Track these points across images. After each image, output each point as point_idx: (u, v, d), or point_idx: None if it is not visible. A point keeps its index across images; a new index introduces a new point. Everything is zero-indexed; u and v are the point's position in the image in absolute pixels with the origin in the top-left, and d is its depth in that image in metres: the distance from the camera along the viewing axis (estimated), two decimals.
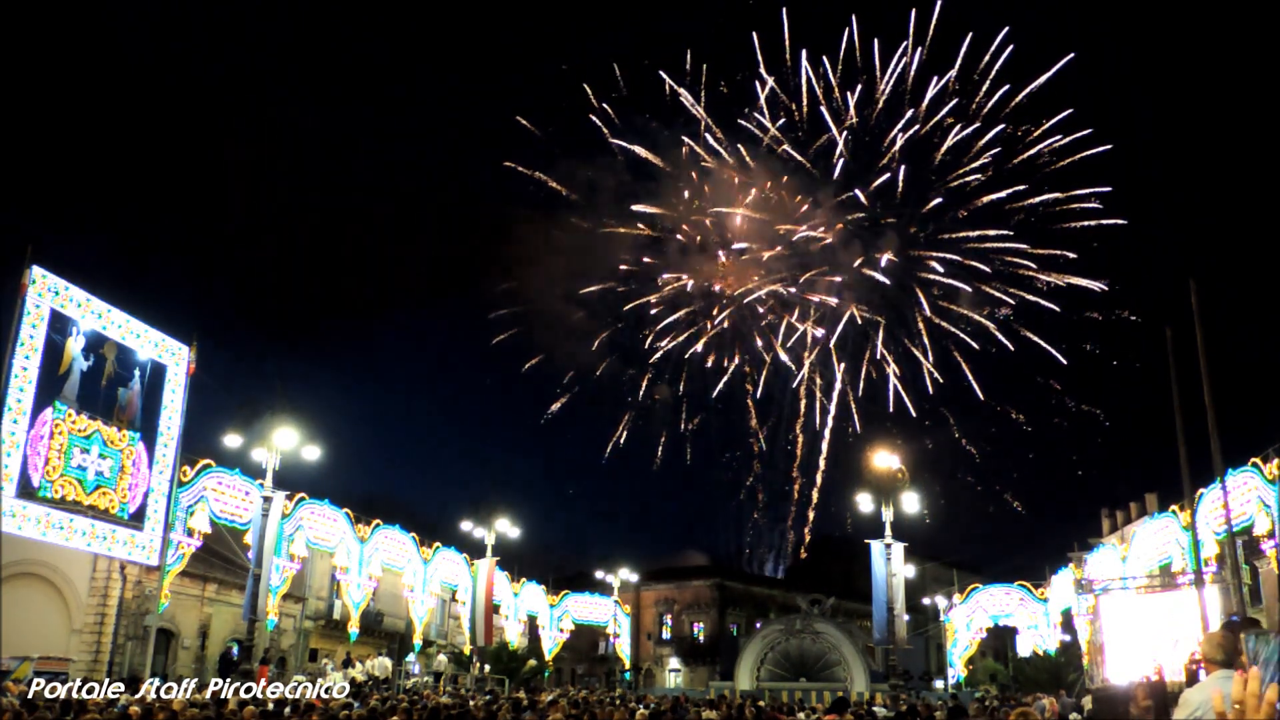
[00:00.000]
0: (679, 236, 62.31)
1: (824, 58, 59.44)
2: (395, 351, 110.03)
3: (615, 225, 62.08)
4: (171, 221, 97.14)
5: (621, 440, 65.25)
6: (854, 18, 58.78)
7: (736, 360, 62.39)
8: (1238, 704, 2.04)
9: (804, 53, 59.62)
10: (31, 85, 75.75)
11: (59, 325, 19.97)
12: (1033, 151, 58.49)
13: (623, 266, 62.67)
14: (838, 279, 60.35)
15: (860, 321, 60.72)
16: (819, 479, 62.04)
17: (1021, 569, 48.07)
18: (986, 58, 57.85)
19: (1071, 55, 57.90)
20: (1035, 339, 58.83)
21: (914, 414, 59.91)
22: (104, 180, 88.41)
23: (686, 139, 60.61)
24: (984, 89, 58.16)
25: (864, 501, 30.28)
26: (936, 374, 59.39)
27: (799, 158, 60.46)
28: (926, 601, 49.94)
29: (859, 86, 59.30)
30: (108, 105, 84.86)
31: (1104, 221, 57.50)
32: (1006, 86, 58.27)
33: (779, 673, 37.17)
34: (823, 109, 59.88)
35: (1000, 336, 59.00)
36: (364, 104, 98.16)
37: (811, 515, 62.67)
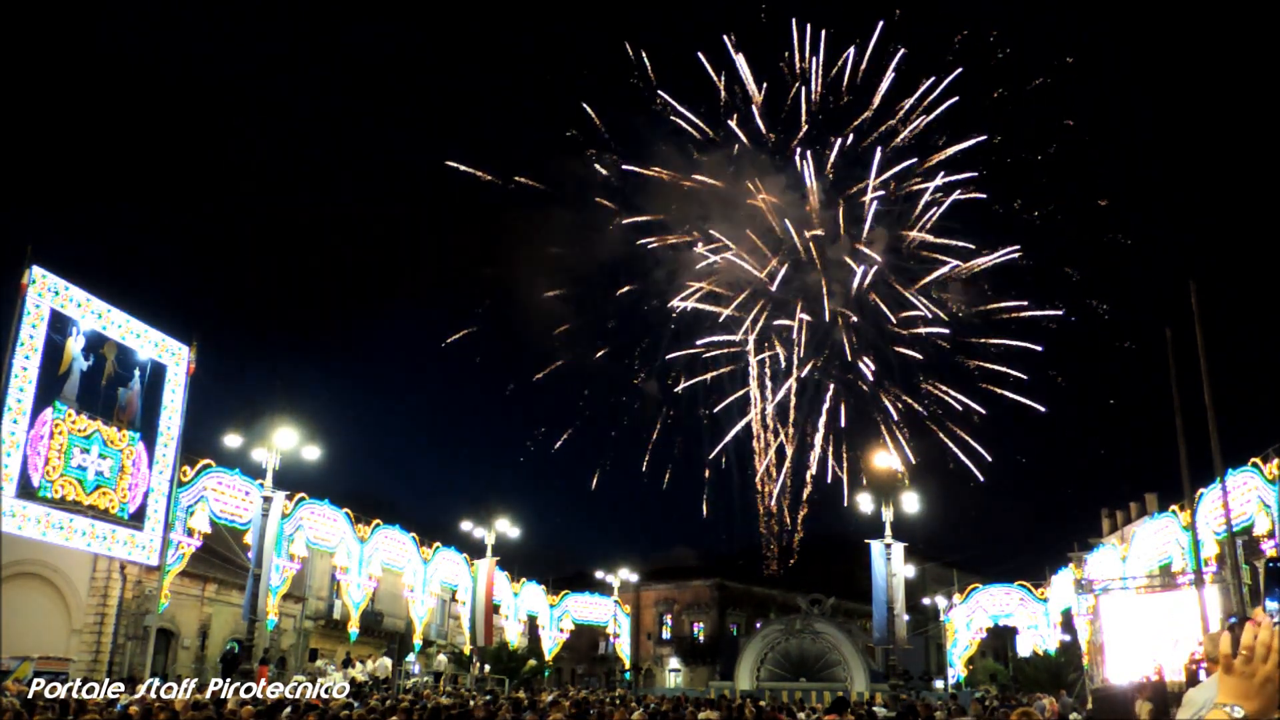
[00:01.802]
0: (669, 239, 62.21)
1: (810, 57, 59.30)
2: (395, 351, 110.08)
3: (606, 228, 62.05)
4: (171, 221, 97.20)
5: (610, 459, 65.10)
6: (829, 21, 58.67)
7: (729, 366, 62.20)
8: (1245, 650, 2.07)
9: (785, 55, 59.53)
10: (30, 85, 75.78)
11: (59, 325, 19.97)
12: (1031, 154, 58.39)
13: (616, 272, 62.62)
14: (826, 287, 60.25)
15: (855, 340, 60.49)
16: (809, 480, 61.85)
17: (1021, 569, 48.05)
18: (978, 59, 57.75)
19: (1069, 59, 57.84)
20: (1034, 358, 58.57)
21: (906, 432, 59.70)
22: (104, 180, 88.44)
23: (665, 146, 60.55)
24: (977, 92, 58.05)
25: (864, 501, 30.33)
26: (937, 388, 59.15)
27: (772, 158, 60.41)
28: (926, 601, 49.94)
29: (841, 89, 59.20)
30: (107, 105, 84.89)
31: (1106, 236, 57.42)
32: (1001, 91, 58.19)
33: (779, 673, 37.18)
34: (803, 113, 59.78)
35: (998, 359, 58.78)
36: (363, 104, 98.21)
37: (803, 516, 62.52)
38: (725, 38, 59.21)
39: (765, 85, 60.01)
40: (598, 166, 61.24)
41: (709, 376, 62.15)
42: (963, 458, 58.15)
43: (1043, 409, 57.54)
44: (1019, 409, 58.29)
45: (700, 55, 59.83)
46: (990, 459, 58.08)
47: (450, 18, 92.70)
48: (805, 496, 61.36)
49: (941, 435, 58.51)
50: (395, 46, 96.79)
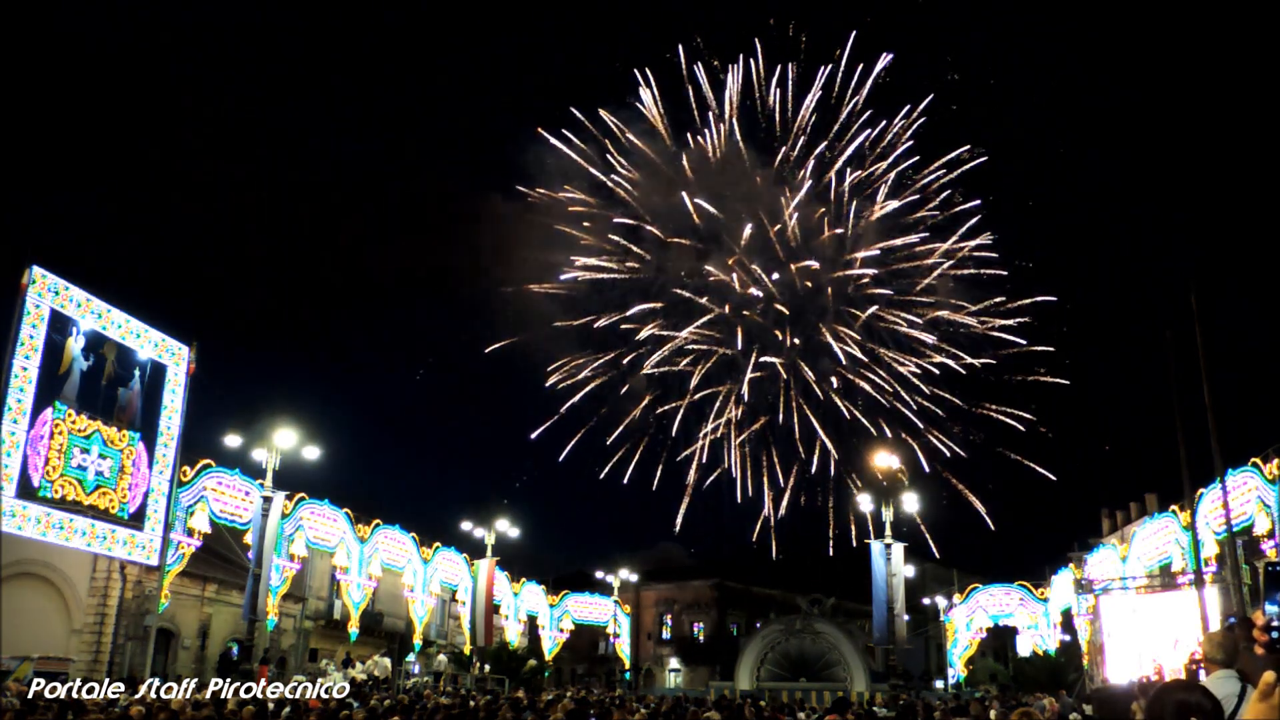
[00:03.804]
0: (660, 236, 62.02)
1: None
2: (395, 350, 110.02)
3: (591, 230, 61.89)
4: (170, 221, 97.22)
5: (602, 460, 64.70)
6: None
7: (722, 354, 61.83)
8: None
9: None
10: (30, 84, 75.79)
11: (59, 325, 19.98)
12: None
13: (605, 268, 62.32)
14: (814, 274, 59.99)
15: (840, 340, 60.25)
16: (790, 481, 61.65)
17: (1021, 569, 48.06)
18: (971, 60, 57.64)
19: (1058, 76, 57.79)
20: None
21: (911, 422, 59.44)
22: (103, 180, 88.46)
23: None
24: (970, 97, 57.91)
25: (864, 501, 30.33)
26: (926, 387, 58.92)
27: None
28: (926, 601, 49.94)
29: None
30: (107, 106, 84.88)
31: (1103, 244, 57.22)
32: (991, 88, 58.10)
33: (779, 673, 37.18)
34: (789, 116, 59.64)
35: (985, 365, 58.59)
36: (366, 102, 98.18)
37: (784, 512, 62.35)
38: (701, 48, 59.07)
39: (734, 100, 59.89)
40: (579, 157, 60.95)
41: (694, 381, 61.91)
42: (973, 499, 58.04)
43: (1046, 429, 57.44)
44: (1020, 407, 58.22)
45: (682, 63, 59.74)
46: (992, 485, 57.94)
47: (431, 10, 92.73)
48: (787, 501, 61.22)
49: (946, 473, 58.38)
50: (388, 43, 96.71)
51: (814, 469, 61.17)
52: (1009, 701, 23.90)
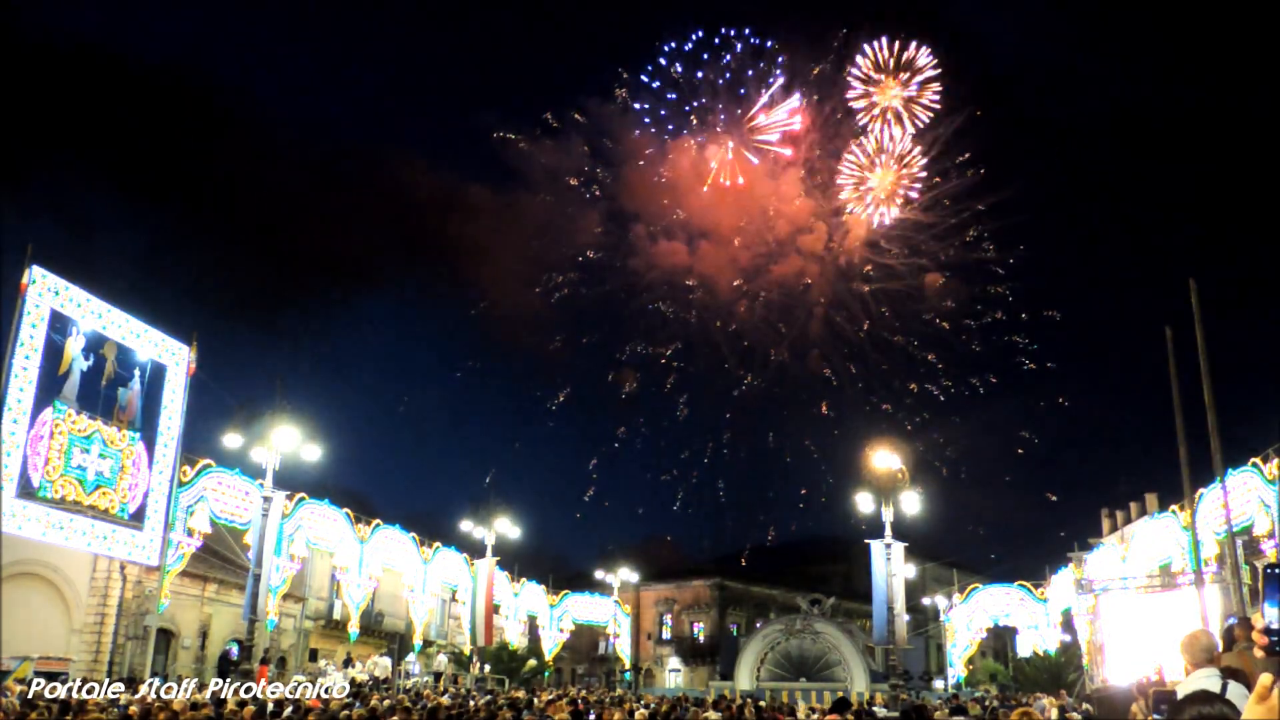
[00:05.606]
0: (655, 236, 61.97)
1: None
2: (395, 351, 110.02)
3: (583, 221, 61.85)
4: (170, 220, 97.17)
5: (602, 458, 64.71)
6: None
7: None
8: None
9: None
10: (30, 84, 75.67)
11: (59, 325, 19.97)
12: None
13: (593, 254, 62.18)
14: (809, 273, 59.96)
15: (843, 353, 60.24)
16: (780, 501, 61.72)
17: (1021, 569, 48.02)
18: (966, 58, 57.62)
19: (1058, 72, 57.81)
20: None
21: (910, 424, 59.44)
22: (103, 180, 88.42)
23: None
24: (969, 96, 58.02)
25: (864, 501, 30.25)
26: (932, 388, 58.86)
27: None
28: (926, 601, 49.89)
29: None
30: (106, 106, 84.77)
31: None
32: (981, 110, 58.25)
33: (779, 673, 37.17)
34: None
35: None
36: (367, 100, 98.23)
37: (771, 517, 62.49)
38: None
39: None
40: (584, 167, 61.02)
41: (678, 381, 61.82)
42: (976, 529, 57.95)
43: (1035, 438, 57.52)
44: (1021, 408, 58.23)
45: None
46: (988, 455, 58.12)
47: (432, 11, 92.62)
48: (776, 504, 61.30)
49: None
50: (384, 41, 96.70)
51: (806, 488, 61.27)
52: (1009, 702, 23.91)
